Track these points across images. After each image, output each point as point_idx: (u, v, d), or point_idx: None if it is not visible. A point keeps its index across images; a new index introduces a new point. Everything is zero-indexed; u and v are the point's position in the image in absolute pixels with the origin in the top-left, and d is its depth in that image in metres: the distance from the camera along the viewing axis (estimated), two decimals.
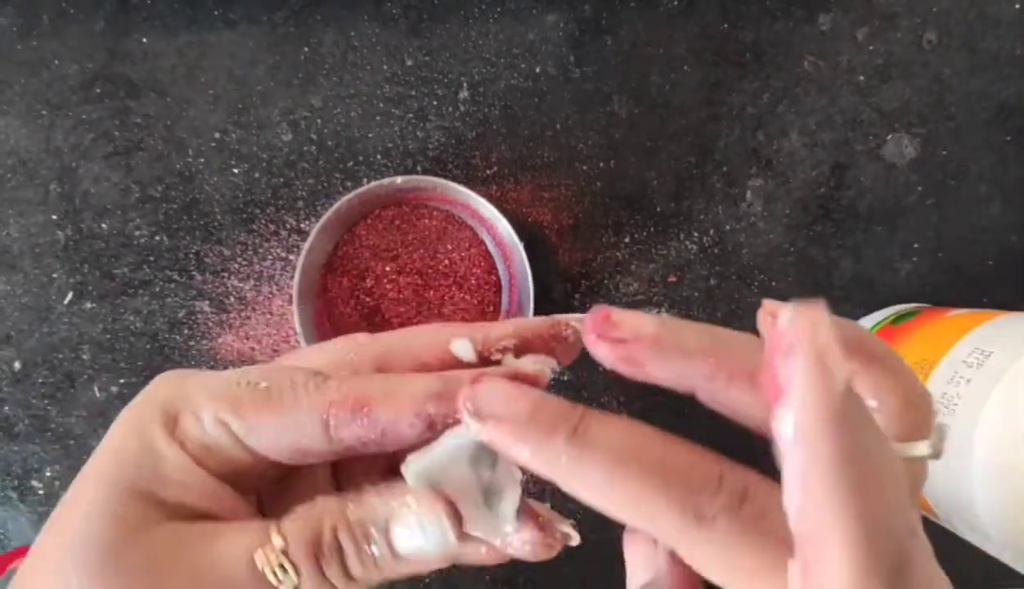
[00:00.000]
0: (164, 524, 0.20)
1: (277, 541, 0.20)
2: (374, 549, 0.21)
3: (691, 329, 0.22)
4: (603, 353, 0.22)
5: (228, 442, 0.21)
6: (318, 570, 0.21)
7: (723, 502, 0.19)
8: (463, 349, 0.23)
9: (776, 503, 0.19)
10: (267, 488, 0.23)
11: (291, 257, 0.45)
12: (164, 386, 0.23)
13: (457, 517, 0.22)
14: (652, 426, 0.20)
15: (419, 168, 0.45)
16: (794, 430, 0.17)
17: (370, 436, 0.21)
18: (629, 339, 0.22)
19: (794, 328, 0.18)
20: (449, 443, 0.21)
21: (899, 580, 0.18)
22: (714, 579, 0.20)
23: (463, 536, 0.22)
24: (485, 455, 0.22)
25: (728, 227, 0.46)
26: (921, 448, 0.22)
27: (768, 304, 0.21)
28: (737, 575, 0.19)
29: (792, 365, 0.17)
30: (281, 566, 0.20)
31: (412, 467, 0.21)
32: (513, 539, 0.24)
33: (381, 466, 0.25)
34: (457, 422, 0.21)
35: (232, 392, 0.22)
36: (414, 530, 0.21)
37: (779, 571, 0.19)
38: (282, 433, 0.21)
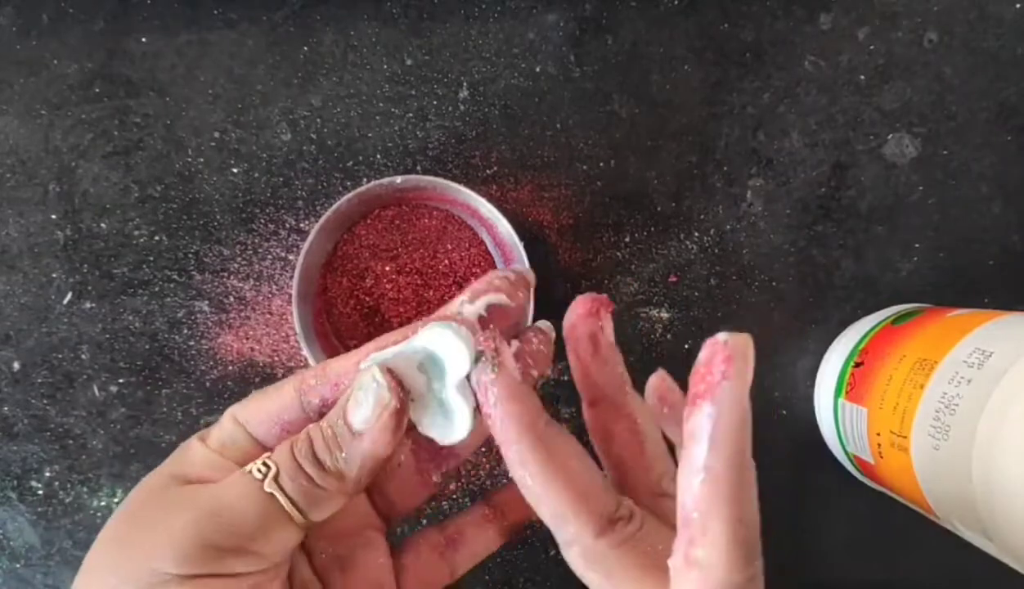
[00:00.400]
0: (182, 482, 0.27)
1: (264, 457, 0.27)
2: (335, 428, 0.26)
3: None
4: (583, 313, 0.27)
5: (240, 434, 0.28)
6: (292, 459, 0.26)
7: (621, 521, 0.24)
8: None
9: (653, 532, 0.24)
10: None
11: (291, 257, 0.45)
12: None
13: (401, 391, 0.26)
14: (581, 447, 0.25)
15: (419, 168, 0.45)
16: (714, 419, 0.22)
17: (327, 390, 0.27)
18: (605, 331, 0.28)
19: (735, 342, 0.23)
20: (403, 347, 0.27)
21: (756, 563, 0.22)
22: (602, 584, 0.25)
23: (404, 402, 0.26)
24: (437, 370, 0.27)
25: (728, 227, 0.46)
26: None
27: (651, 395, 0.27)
28: (625, 578, 0.24)
29: (729, 368, 0.23)
30: (264, 463, 0.26)
31: (369, 360, 0.27)
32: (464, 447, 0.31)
33: (415, 491, 0.32)
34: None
35: (245, 400, 0.29)
36: (359, 399, 0.26)
37: (650, 580, 0.24)
38: (270, 414, 0.28)
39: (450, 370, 0.26)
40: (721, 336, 0.23)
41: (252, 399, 0.28)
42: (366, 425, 0.26)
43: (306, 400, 0.27)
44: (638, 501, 0.26)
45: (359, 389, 0.26)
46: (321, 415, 0.27)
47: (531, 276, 0.30)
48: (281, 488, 0.26)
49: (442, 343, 0.26)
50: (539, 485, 0.24)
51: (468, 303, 0.28)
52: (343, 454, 0.26)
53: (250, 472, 0.26)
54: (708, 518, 0.22)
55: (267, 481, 0.26)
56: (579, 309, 0.27)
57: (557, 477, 0.24)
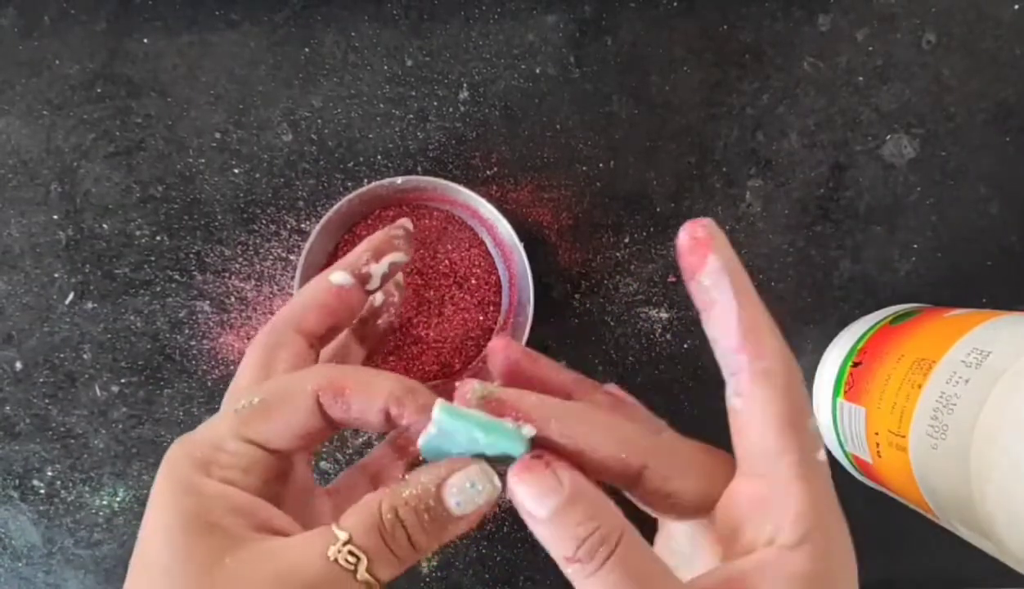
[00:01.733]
0: (233, 547, 0.24)
1: (341, 535, 0.24)
2: (432, 513, 0.25)
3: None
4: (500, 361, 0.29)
5: (259, 455, 0.26)
6: (385, 547, 0.25)
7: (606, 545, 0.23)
8: (341, 278, 0.31)
9: (641, 554, 0.24)
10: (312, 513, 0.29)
11: (292, 257, 0.45)
12: (179, 448, 0.26)
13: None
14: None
15: (419, 168, 0.45)
16: (719, 266, 0.25)
17: (348, 418, 0.26)
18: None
19: (709, 225, 0.25)
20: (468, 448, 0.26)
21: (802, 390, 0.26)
22: None
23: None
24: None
25: (728, 227, 0.46)
26: None
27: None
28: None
29: (710, 234, 0.25)
30: (351, 553, 0.24)
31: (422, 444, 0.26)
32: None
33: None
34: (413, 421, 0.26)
35: (238, 418, 0.26)
36: (469, 494, 0.25)
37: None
38: (289, 424, 0.26)
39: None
40: (699, 222, 0.26)
41: (262, 416, 0.26)
42: (473, 508, 0.25)
43: (327, 412, 0.26)
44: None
45: (469, 483, 0.25)
46: (341, 426, 0.27)
47: (411, 225, 0.35)
48: (375, 576, 0.24)
49: (496, 453, 0.26)
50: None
51: (375, 264, 0.32)
52: (440, 535, 0.26)
53: (335, 561, 0.24)
54: (759, 337, 0.25)
55: (360, 572, 0.24)
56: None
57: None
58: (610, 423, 0.26)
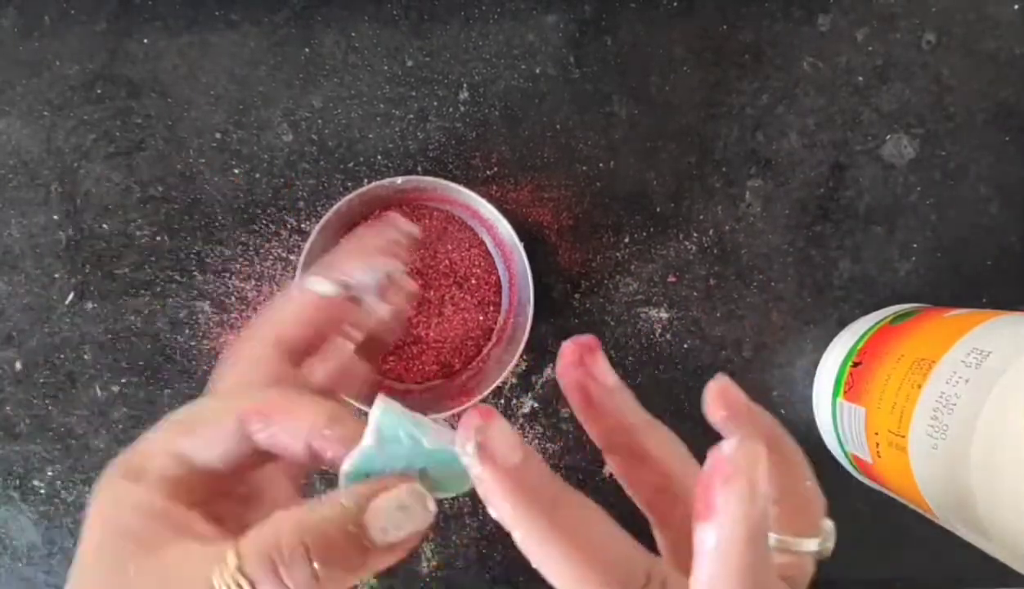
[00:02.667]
0: (141, 554, 0.23)
1: (231, 560, 0.21)
2: (350, 543, 0.22)
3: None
4: (567, 364, 0.25)
5: (187, 469, 0.24)
6: (276, 580, 0.21)
7: None
8: (323, 287, 0.28)
9: None
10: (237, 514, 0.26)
11: (292, 257, 0.45)
12: (118, 457, 0.25)
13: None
14: (601, 510, 0.22)
15: (419, 168, 0.45)
16: (715, 542, 0.20)
17: (275, 446, 0.24)
18: (597, 378, 0.25)
19: (737, 457, 0.20)
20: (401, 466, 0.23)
21: None
22: None
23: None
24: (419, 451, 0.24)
25: (727, 227, 0.46)
26: (809, 544, 0.25)
27: (714, 400, 0.25)
28: None
29: (728, 491, 0.20)
30: (237, 583, 0.21)
31: (347, 467, 0.23)
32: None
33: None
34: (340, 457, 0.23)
35: (167, 431, 0.25)
36: (397, 520, 0.22)
37: None
38: (211, 445, 0.24)
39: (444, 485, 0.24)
40: (727, 446, 0.21)
41: (187, 430, 0.24)
42: (404, 537, 0.22)
43: (251, 436, 0.24)
44: (677, 539, 0.25)
45: (398, 505, 0.22)
46: (270, 453, 0.24)
47: (416, 230, 0.30)
48: None
49: (441, 467, 0.23)
50: (556, 565, 0.21)
51: (367, 273, 0.28)
52: (361, 567, 0.22)
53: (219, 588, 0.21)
54: None
55: None
56: (563, 360, 0.25)
57: (572, 555, 0.21)
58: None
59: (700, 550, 0.21)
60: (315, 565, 0.21)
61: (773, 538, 0.25)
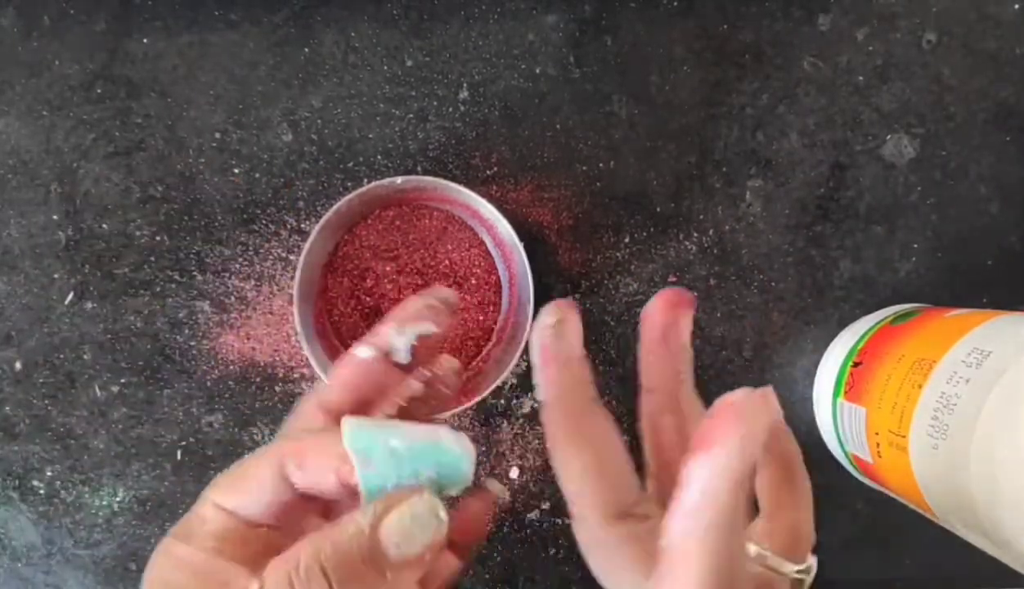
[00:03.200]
0: None
1: (254, 587, 0.23)
2: (368, 562, 0.23)
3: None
4: (663, 304, 0.28)
5: (233, 523, 0.25)
6: None
7: (633, 518, 0.25)
8: (363, 351, 0.28)
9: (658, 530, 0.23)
10: None
11: (291, 257, 0.45)
12: (173, 528, 0.26)
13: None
14: (618, 436, 0.26)
15: (419, 168, 0.45)
16: (706, 475, 0.22)
17: (309, 485, 0.25)
18: (681, 328, 0.28)
19: (742, 404, 0.22)
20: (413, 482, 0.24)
21: None
22: (599, 566, 0.26)
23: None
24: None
25: (728, 227, 0.46)
26: (788, 567, 0.27)
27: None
28: (619, 568, 0.25)
29: (728, 430, 0.22)
30: None
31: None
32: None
33: None
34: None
35: (212, 488, 0.25)
36: (411, 532, 0.23)
37: (643, 576, 0.24)
38: (255, 493, 0.25)
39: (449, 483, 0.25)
40: (739, 393, 0.23)
41: (231, 484, 0.25)
42: (417, 548, 0.23)
43: (290, 479, 0.25)
44: (668, 492, 0.26)
45: (411, 520, 0.23)
46: (309, 494, 0.25)
47: (455, 298, 0.30)
48: None
49: (444, 466, 0.24)
50: (566, 458, 0.25)
51: (397, 335, 0.28)
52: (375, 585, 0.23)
53: None
54: (678, 563, 0.23)
55: None
56: (661, 298, 0.28)
57: (583, 455, 0.25)
58: None
59: (685, 483, 0.22)
60: (333, 585, 0.22)
61: (755, 549, 0.27)
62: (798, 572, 0.28)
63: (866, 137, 0.46)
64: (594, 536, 0.26)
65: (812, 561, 0.28)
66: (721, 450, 0.22)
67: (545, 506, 0.46)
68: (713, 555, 0.22)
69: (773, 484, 0.29)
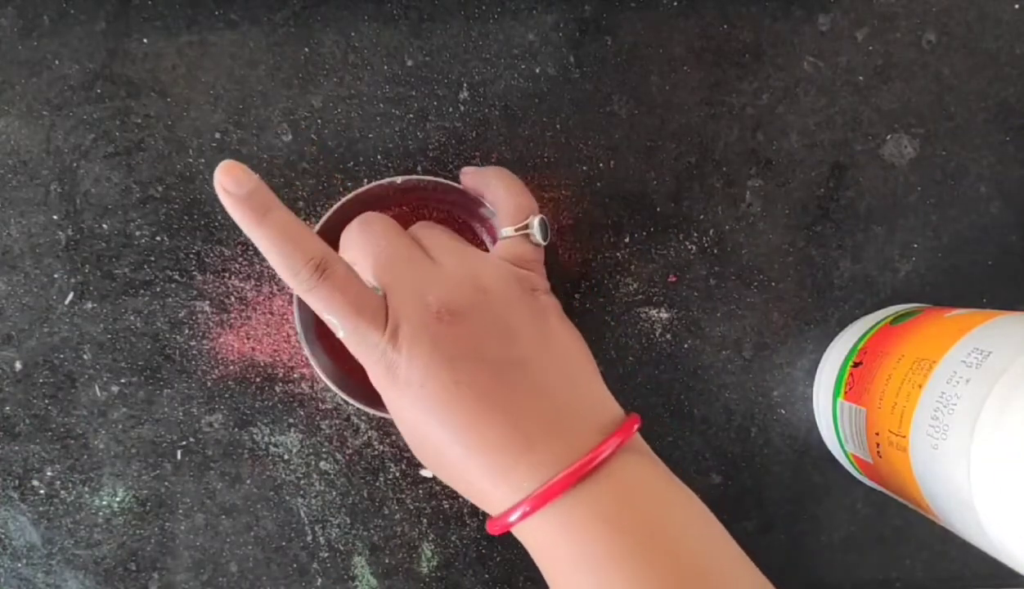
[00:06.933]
0: None
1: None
2: None
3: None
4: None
5: None
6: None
7: (311, 270, 0.32)
8: None
9: (349, 279, 0.33)
10: None
11: None
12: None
13: None
14: (298, 220, 0.33)
15: (419, 168, 0.45)
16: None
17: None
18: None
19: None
20: None
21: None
22: (323, 316, 0.34)
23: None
24: None
25: (728, 227, 0.46)
26: (507, 230, 0.38)
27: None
28: (331, 314, 0.33)
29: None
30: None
31: None
32: None
33: None
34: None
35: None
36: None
37: (351, 319, 0.33)
38: None
39: None
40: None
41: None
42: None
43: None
44: None
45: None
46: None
47: None
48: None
49: None
50: (268, 243, 0.32)
51: None
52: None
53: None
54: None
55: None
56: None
57: (277, 237, 0.32)
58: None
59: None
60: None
61: (505, 231, 0.38)
62: (516, 229, 0.38)
63: (866, 137, 0.46)
64: (312, 291, 0.33)
65: (531, 219, 0.38)
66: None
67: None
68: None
69: (488, 200, 0.40)
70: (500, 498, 0.33)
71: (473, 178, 0.41)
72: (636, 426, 0.35)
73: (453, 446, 0.33)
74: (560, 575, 0.32)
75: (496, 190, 0.39)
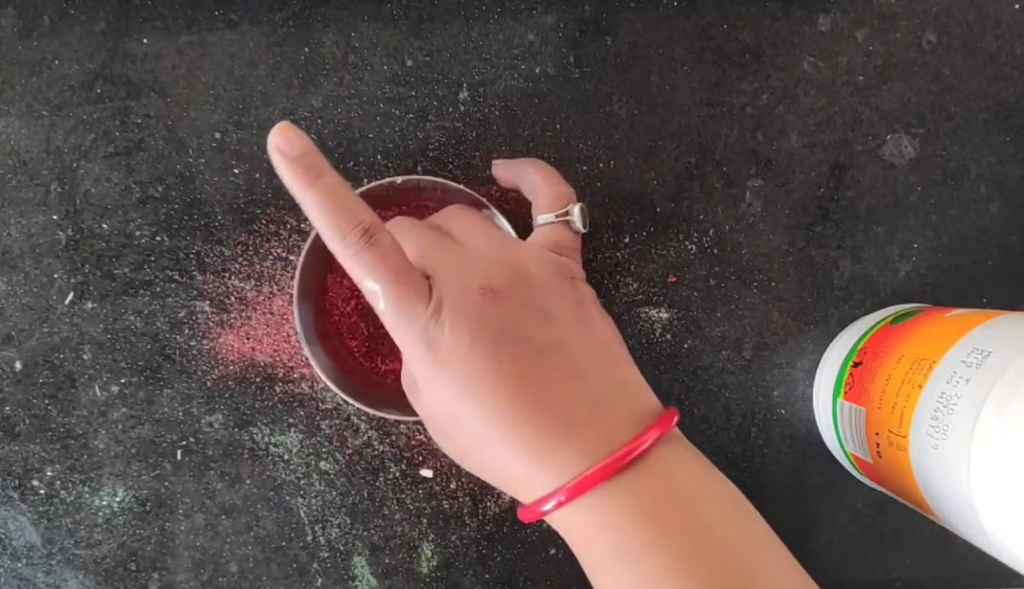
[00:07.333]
0: None
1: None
2: None
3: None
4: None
5: None
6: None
7: (359, 235, 0.32)
8: None
9: (395, 249, 0.33)
10: None
11: (291, 257, 0.45)
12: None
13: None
14: (348, 186, 0.33)
15: (419, 168, 0.45)
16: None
17: None
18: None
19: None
20: None
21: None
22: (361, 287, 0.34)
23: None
24: None
25: (728, 227, 0.46)
26: (546, 217, 0.38)
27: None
28: (369, 282, 0.33)
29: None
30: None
31: None
32: None
33: None
34: None
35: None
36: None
37: (395, 287, 0.32)
38: None
39: None
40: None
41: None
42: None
43: None
44: None
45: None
46: None
47: None
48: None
49: None
50: (316, 208, 0.32)
51: None
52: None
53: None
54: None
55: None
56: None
57: (327, 203, 0.32)
58: None
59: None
60: None
61: (543, 218, 0.38)
62: (556, 216, 0.38)
63: (866, 137, 0.46)
64: (356, 258, 0.33)
65: (571, 207, 0.38)
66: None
67: None
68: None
69: (524, 189, 0.40)
70: (535, 485, 0.32)
71: (507, 168, 0.41)
72: (675, 419, 0.34)
73: (491, 428, 0.32)
74: (599, 563, 0.32)
75: (533, 178, 0.39)
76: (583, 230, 0.38)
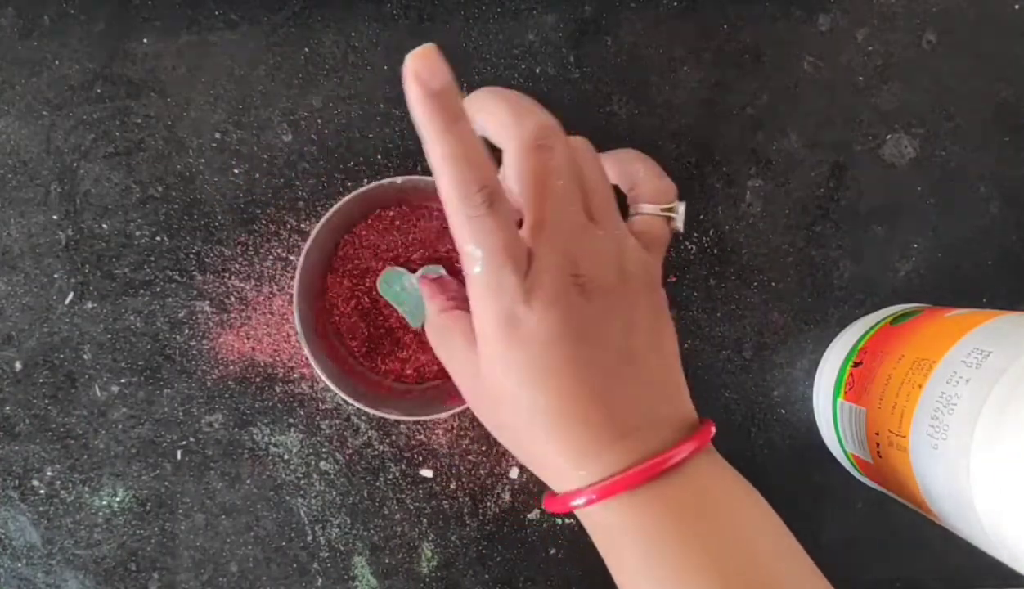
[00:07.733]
0: None
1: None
2: None
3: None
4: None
5: None
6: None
7: (484, 199, 0.30)
8: None
9: (510, 219, 0.31)
10: None
11: (291, 257, 0.45)
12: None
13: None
14: (481, 142, 0.30)
15: (419, 168, 0.45)
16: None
17: None
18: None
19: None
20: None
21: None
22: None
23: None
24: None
25: (727, 227, 0.46)
26: (650, 208, 0.37)
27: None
28: (481, 248, 0.31)
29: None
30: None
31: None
32: None
33: None
34: None
35: None
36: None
37: (499, 257, 0.31)
38: None
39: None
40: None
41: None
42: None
43: None
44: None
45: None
46: None
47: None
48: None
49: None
50: (444, 152, 0.29)
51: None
52: None
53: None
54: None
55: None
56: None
57: (459, 148, 0.29)
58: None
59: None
60: None
61: (632, 212, 0.37)
62: (662, 210, 0.36)
63: (866, 137, 0.46)
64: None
65: (677, 204, 0.37)
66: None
67: None
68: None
69: (617, 175, 0.37)
70: (569, 478, 0.32)
71: (606, 157, 0.38)
72: (712, 432, 0.34)
73: (545, 417, 0.32)
74: (624, 563, 0.32)
75: (636, 166, 0.38)
76: (681, 230, 0.37)
